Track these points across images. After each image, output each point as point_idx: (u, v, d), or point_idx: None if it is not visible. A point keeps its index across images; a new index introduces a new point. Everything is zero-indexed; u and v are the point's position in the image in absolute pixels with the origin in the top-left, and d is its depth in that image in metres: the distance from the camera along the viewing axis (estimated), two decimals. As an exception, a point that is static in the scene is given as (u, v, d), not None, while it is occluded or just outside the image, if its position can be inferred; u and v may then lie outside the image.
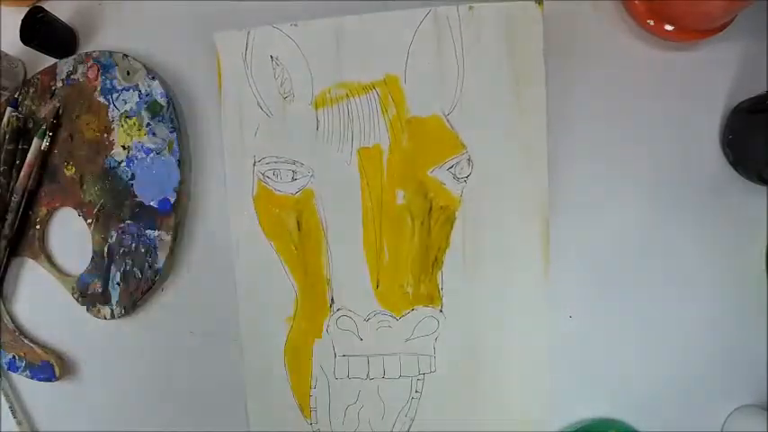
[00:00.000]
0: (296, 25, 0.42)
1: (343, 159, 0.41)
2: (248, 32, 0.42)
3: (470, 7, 0.40)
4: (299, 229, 0.42)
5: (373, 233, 0.41)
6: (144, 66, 0.45)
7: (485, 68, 0.41)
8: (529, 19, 0.40)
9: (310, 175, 0.42)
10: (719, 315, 0.42)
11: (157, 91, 0.45)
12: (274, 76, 0.42)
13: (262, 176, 0.43)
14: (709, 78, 0.42)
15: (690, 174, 0.42)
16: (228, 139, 0.43)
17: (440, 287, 0.41)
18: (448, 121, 0.41)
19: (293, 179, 0.42)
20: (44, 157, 0.47)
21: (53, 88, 0.47)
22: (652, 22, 0.41)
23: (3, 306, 0.48)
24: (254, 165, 0.43)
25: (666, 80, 0.42)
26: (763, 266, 0.41)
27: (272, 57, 0.42)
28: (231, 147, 0.43)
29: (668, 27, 0.40)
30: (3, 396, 0.48)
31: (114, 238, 0.45)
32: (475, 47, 0.41)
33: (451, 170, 0.41)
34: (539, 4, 0.40)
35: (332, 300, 0.42)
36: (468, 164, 0.41)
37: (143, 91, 0.45)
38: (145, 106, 0.45)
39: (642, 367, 0.42)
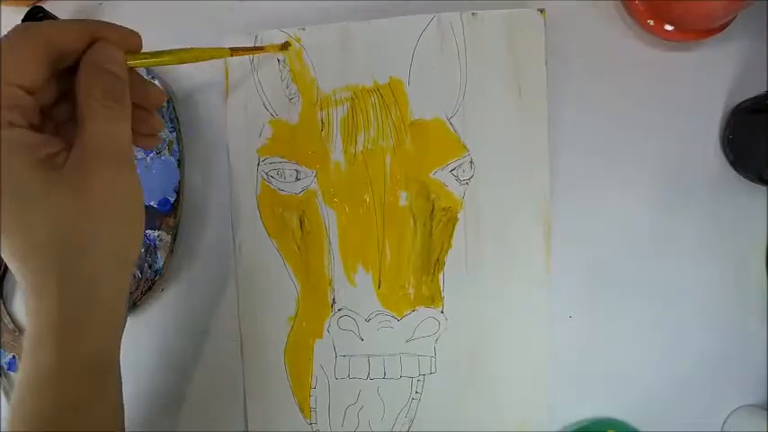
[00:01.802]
0: (303, 29, 0.42)
1: (346, 160, 0.42)
2: (256, 36, 0.43)
3: (474, 14, 0.41)
4: (301, 229, 0.42)
5: (375, 234, 0.41)
6: (144, 66, 0.45)
7: (487, 73, 0.41)
8: (531, 26, 0.41)
9: (314, 175, 0.42)
10: (719, 315, 0.42)
11: (157, 91, 0.45)
12: (281, 78, 0.43)
13: (266, 176, 0.43)
14: (710, 78, 0.42)
15: (690, 174, 0.42)
16: (233, 138, 0.43)
17: (441, 288, 0.41)
18: (451, 124, 0.41)
19: (297, 179, 0.42)
20: (44, 156, 0.47)
21: (53, 88, 0.47)
22: (652, 22, 0.41)
23: (3, 306, 0.48)
24: (258, 164, 0.43)
25: (666, 80, 0.42)
26: (763, 266, 0.41)
27: (278, 59, 0.43)
28: (235, 146, 0.43)
29: (668, 27, 0.40)
30: (4, 396, 0.48)
31: (114, 238, 0.45)
32: (478, 52, 0.41)
33: (454, 172, 0.41)
34: (541, 12, 0.40)
35: (333, 300, 0.42)
36: (471, 166, 0.41)
37: (143, 91, 0.45)
38: (145, 106, 0.45)
39: (642, 367, 0.42)
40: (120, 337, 0.32)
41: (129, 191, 0.29)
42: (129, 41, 0.31)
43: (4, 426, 0.28)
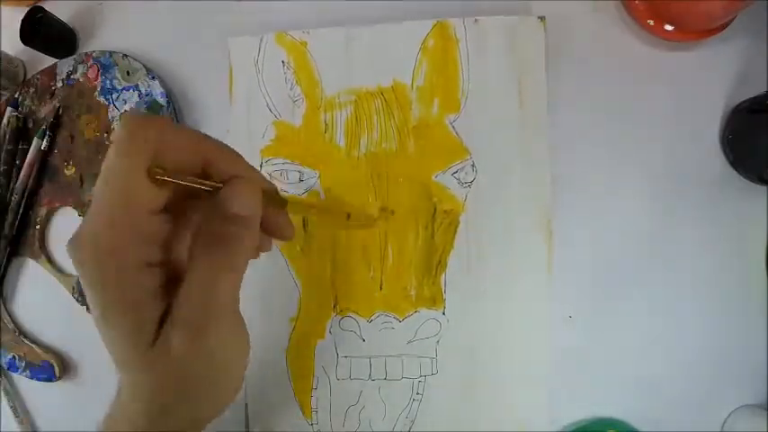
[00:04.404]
0: (308, 32, 0.43)
1: (350, 163, 0.42)
2: (261, 38, 0.43)
3: (476, 20, 0.42)
4: (304, 230, 0.42)
5: (378, 235, 0.41)
6: (144, 66, 0.45)
7: (489, 78, 0.42)
8: (532, 33, 0.41)
9: (317, 177, 0.42)
10: (719, 315, 0.42)
11: (157, 91, 0.45)
12: (285, 81, 0.43)
13: (269, 177, 0.43)
14: (709, 78, 0.42)
15: (690, 174, 0.42)
16: (236, 139, 0.44)
17: (443, 290, 0.41)
18: (453, 127, 0.41)
19: (300, 180, 0.42)
20: (44, 157, 0.47)
21: (53, 88, 0.47)
22: (652, 22, 0.41)
23: (3, 306, 0.48)
24: (261, 166, 0.43)
25: (666, 80, 0.42)
26: (763, 266, 0.41)
27: (283, 62, 0.43)
28: (238, 147, 0.43)
29: (668, 27, 0.40)
30: (4, 396, 0.48)
31: (114, 239, 0.45)
32: (480, 58, 0.42)
33: (456, 175, 0.41)
34: (541, 20, 0.41)
35: (335, 301, 0.42)
36: (473, 169, 0.41)
37: (143, 91, 0.45)
38: (145, 106, 0.45)
39: (642, 367, 0.42)
40: None
41: (226, 352, 0.25)
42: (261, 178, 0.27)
43: None
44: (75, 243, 0.22)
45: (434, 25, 0.42)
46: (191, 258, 0.23)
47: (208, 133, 0.47)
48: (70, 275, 0.47)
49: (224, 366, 0.25)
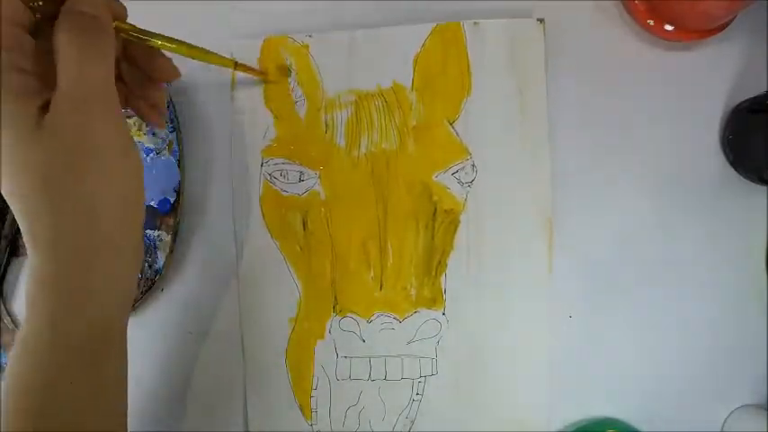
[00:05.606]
0: (310, 36, 0.43)
1: (350, 162, 0.42)
2: (263, 41, 0.43)
3: (475, 23, 0.42)
4: (304, 230, 0.42)
5: (378, 235, 0.41)
6: (144, 66, 0.45)
7: (489, 79, 0.42)
8: (531, 35, 0.41)
9: (317, 176, 0.42)
10: (719, 315, 0.42)
11: (158, 92, 0.45)
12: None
13: (269, 177, 0.43)
14: (709, 78, 0.42)
15: (690, 174, 0.42)
16: (236, 139, 0.44)
17: (443, 290, 0.41)
18: (453, 128, 0.42)
19: (300, 180, 0.42)
20: (44, 157, 0.47)
21: (53, 88, 0.47)
22: (652, 22, 0.41)
23: (3, 306, 0.48)
24: (261, 165, 0.43)
25: (666, 80, 0.42)
26: (763, 266, 0.41)
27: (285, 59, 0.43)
28: (238, 147, 0.44)
29: (668, 27, 0.40)
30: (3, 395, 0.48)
31: (114, 239, 0.45)
32: (479, 60, 0.42)
33: (456, 175, 0.41)
34: (540, 22, 0.41)
35: (335, 301, 0.42)
36: (473, 169, 0.41)
37: (143, 91, 0.45)
38: (145, 106, 0.45)
39: (642, 367, 0.42)
40: (128, 309, 0.32)
41: (107, 138, 0.28)
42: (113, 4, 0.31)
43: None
44: None
45: (434, 28, 0.42)
46: (59, 53, 0.26)
47: (210, 134, 0.47)
48: (70, 275, 0.47)
49: (119, 147, 0.29)
